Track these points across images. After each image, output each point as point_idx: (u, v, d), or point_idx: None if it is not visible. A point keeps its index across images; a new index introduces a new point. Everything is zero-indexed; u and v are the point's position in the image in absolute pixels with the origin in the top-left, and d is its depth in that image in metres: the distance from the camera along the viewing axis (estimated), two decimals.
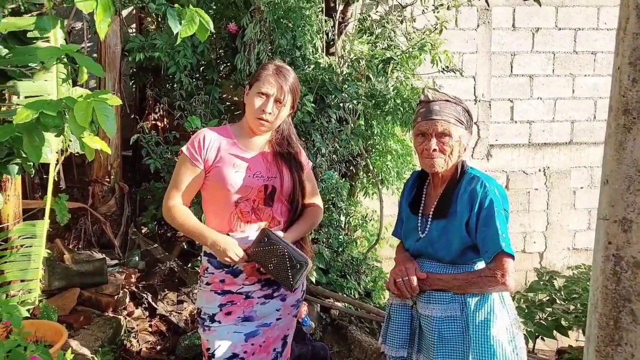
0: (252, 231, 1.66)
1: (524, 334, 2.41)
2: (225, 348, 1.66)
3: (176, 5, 1.83)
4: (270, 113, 1.63)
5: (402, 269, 1.55)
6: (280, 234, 1.64)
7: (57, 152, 2.10)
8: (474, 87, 4.64)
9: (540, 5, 2.82)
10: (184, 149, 1.68)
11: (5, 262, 2.19)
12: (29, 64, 2.00)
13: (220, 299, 1.68)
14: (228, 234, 1.66)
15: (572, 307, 2.51)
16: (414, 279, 1.52)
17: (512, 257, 1.45)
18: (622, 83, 0.79)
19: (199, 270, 1.76)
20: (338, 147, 3.46)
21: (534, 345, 2.57)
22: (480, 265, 1.53)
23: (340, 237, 3.51)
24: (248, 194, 1.64)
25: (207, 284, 1.70)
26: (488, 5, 2.93)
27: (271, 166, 1.68)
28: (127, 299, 3.08)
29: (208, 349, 1.68)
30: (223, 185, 1.62)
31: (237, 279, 1.68)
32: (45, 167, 3.30)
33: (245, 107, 1.69)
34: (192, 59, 3.33)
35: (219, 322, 1.68)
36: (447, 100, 1.53)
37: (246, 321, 1.69)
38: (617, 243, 0.80)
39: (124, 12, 3.88)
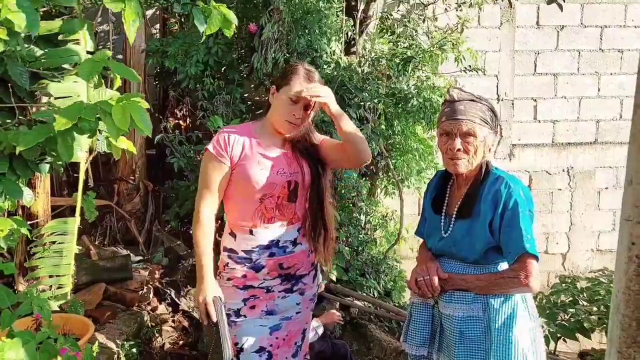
0: (275, 227, 1.69)
1: (546, 335, 2.38)
2: (253, 342, 1.70)
3: (200, 3, 1.86)
4: (300, 117, 1.66)
5: (423, 268, 1.56)
6: (224, 313, 1.65)
7: (86, 151, 2.17)
8: (497, 86, 4.58)
9: (562, 10, 2.77)
10: (209, 147, 1.69)
11: (39, 258, 2.27)
12: (60, 65, 2.07)
13: (243, 294, 1.71)
14: (251, 231, 1.69)
15: (594, 309, 2.46)
16: (435, 279, 1.52)
17: (537, 258, 1.44)
18: None
19: (219, 266, 1.78)
20: None
21: (555, 347, 2.53)
22: (504, 266, 1.52)
23: (360, 236, 3.52)
24: (272, 191, 1.67)
25: (229, 279, 1.73)
26: (510, 5, 2.89)
27: (292, 162, 1.71)
28: (151, 295, 3.15)
29: (236, 344, 1.71)
30: (248, 182, 1.65)
31: (259, 274, 1.71)
32: (72, 165, 3.40)
33: (272, 107, 1.71)
34: (209, 61, 3.36)
35: (245, 316, 1.71)
36: (472, 100, 1.52)
37: (269, 315, 1.73)
38: None
39: (148, 13, 3.96)
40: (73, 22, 2.03)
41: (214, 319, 1.62)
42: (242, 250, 1.71)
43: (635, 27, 4.58)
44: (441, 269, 1.55)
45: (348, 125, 1.65)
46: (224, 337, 1.60)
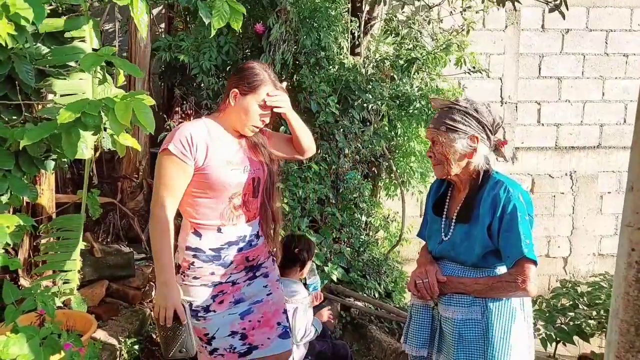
0: (242, 223, 1.73)
1: (543, 338, 2.39)
2: (224, 329, 1.73)
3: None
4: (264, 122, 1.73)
5: (422, 271, 1.57)
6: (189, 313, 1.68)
7: (91, 149, 2.18)
8: (501, 89, 4.58)
9: (564, 18, 2.79)
10: (170, 147, 1.61)
11: (45, 254, 2.29)
12: (66, 63, 2.09)
13: (211, 291, 1.72)
14: (219, 228, 1.69)
15: (594, 313, 2.47)
16: (435, 282, 1.53)
17: (535, 262, 1.45)
18: None
19: (180, 265, 1.73)
20: (361, 147, 3.48)
21: (554, 350, 2.54)
22: (502, 269, 1.53)
23: (362, 237, 3.53)
24: (241, 189, 1.70)
25: (195, 278, 1.70)
26: (515, 8, 2.90)
27: (253, 159, 1.75)
28: (153, 292, 3.16)
29: (206, 334, 1.73)
30: (219, 184, 1.64)
31: (227, 269, 1.72)
32: (76, 162, 3.41)
33: (233, 110, 1.69)
34: (217, 59, 3.39)
35: (214, 311, 1.72)
36: (450, 107, 1.54)
37: (238, 303, 1.75)
38: None
39: (154, 11, 3.98)
40: (78, 20, 2.05)
41: (184, 321, 1.62)
42: (210, 249, 1.69)
43: None
44: (440, 272, 1.57)
45: (297, 122, 1.81)
46: (191, 335, 1.64)
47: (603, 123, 4.71)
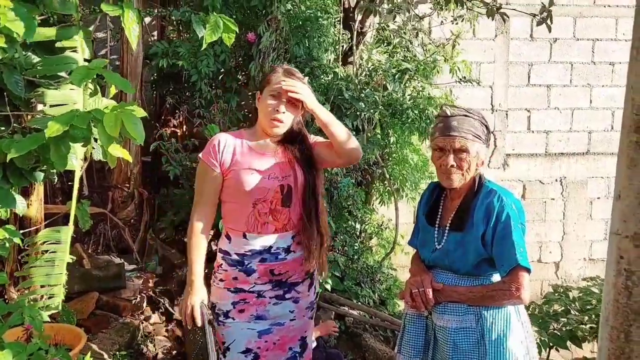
0: (269, 233, 1.70)
1: (538, 344, 2.40)
2: (240, 343, 1.71)
3: (201, 14, 1.89)
4: (283, 113, 1.67)
5: (417, 280, 1.57)
6: (208, 318, 1.69)
7: (81, 159, 2.16)
8: (491, 97, 4.63)
9: (550, 31, 2.85)
10: (201, 154, 1.72)
11: (31, 267, 2.26)
12: (56, 73, 2.07)
13: (233, 297, 1.72)
14: (245, 235, 1.69)
15: (586, 318, 2.49)
16: (430, 291, 1.53)
17: (529, 271, 1.46)
18: (634, 101, 0.81)
19: (214, 266, 1.80)
20: None
21: (547, 356, 2.54)
22: (496, 277, 1.53)
23: (356, 245, 3.52)
24: (265, 196, 1.67)
25: (221, 280, 1.74)
26: (504, 20, 2.95)
27: (284, 165, 1.71)
28: (145, 304, 3.13)
29: (223, 343, 1.73)
30: (240, 187, 1.66)
31: (250, 278, 1.71)
32: (66, 172, 3.38)
33: (259, 110, 1.73)
34: (214, 67, 3.40)
35: (233, 318, 1.72)
36: (465, 115, 1.54)
37: (259, 319, 1.73)
38: (629, 258, 0.81)
39: (146, 20, 3.98)
40: (70, 30, 2.04)
41: (199, 324, 1.64)
42: (236, 253, 1.72)
43: (625, 40, 4.65)
44: (435, 280, 1.56)
45: (327, 118, 1.66)
46: (209, 343, 1.62)
47: (591, 130, 4.78)
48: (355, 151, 1.70)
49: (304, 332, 1.82)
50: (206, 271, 1.76)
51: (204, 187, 1.71)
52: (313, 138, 1.81)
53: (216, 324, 1.74)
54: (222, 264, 1.75)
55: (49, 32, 2.01)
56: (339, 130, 1.66)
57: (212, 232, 1.83)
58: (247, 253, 1.70)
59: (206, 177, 1.70)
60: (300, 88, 1.64)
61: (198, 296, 1.68)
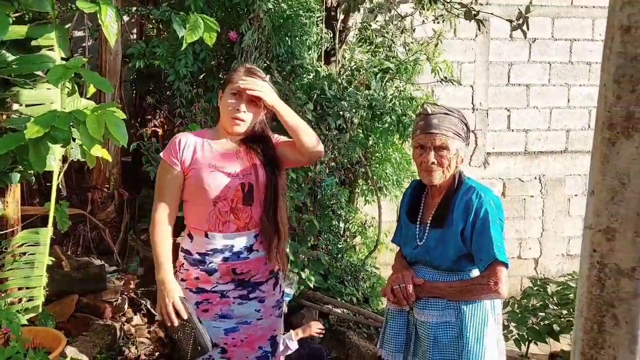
0: (230, 232, 1.69)
1: (517, 338, 2.45)
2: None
3: (181, 12, 1.88)
4: (244, 112, 1.67)
5: (399, 276, 1.59)
6: (192, 309, 1.66)
7: (59, 160, 2.13)
8: (472, 96, 4.70)
9: (525, 37, 2.93)
10: (162, 154, 1.72)
11: (9, 269, 2.21)
12: (32, 72, 2.03)
13: (195, 297, 1.71)
14: (206, 234, 1.69)
15: (564, 312, 2.55)
16: (411, 287, 1.55)
17: (506, 265, 1.49)
18: (607, 99, 0.83)
19: (176, 265, 1.78)
20: (337, 154, 3.50)
21: (527, 350, 2.60)
22: (475, 273, 1.56)
23: (340, 243, 3.54)
24: (226, 194, 1.67)
25: (182, 280, 1.73)
26: (479, 28, 3.01)
27: (245, 164, 1.71)
28: (126, 306, 3.09)
29: None
30: (200, 186, 1.66)
31: (211, 277, 1.70)
32: (43, 173, 3.32)
33: (220, 109, 1.74)
34: (193, 66, 3.37)
35: (197, 318, 1.70)
36: (446, 113, 1.57)
37: (224, 318, 1.72)
38: (602, 251, 0.84)
39: (125, 18, 3.92)
40: (45, 27, 2.00)
41: (185, 316, 1.62)
42: (197, 253, 1.71)
43: (601, 40, 4.75)
44: (416, 276, 1.58)
45: (288, 115, 1.68)
46: (200, 331, 1.60)
47: (569, 128, 4.88)
48: (318, 148, 1.72)
49: (273, 330, 1.82)
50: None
51: (165, 185, 1.71)
52: (276, 137, 1.82)
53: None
54: (183, 264, 1.74)
55: (23, 30, 1.97)
56: (301, 127, 1.68)
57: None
58: (209, 252, 1.70)
59: (167, 176, 1.70)
60: (260, 86, 1.65)
61: (175, 292, 1.65)
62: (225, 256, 1.69)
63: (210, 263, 1.69)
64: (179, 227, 1.81)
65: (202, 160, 1.68)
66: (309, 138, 1.69)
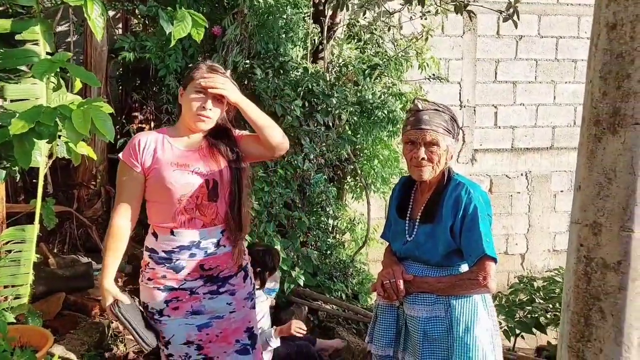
0: (196, 228, 1.68)
1: (505, 331, 2.48)
2: (179, 336, 1.70)
3: (168, 8, 1.86)
4: (210, 109, 1.67)
5: (389, 271, 1.60)
6: (129, 303, 1.67)
7: (46, 156, 2.09)
8: (460, 93, 4.73)
9: (516, 27, 2.95)
10: (121, 154, 1.69)
11: None
12: (17, 67, 2.00)
13: (164, 296, 1.69)
14: (172, 231, 1.68)
15: (550, 306, 2.59)
16: (401, 282, 1.56)
17: (495, 260, 1.51)
18: (593, 95, 0.84)
19: (142, 265, 1.76)
20: (326, 151, 3.50)
21: (514, 344, 2.64)
22: (464, 268, 1.58)
23: (329, 240, 3.55)
24: (190, 191, 1.66)
25: (149, 279, 1.71)
26: (470, 18, 3.02)
27: (209, 160, 1.70)
28: None
29: (163, 337, 1.71)
30: (163, 185, 1.65)
31: (179, 274, 1.69)
32: (29, 170, 3.27)
33: (183, 107, 1.72)
34: (182, 62, 3.34)
35: (168, 316, 1.70)
36: (436, 110, 1.57)
37: (196, 314, 1.71)
38: (588, 245, 0.85)
39: (110, 13, 3.87)
40: (29, 21, 1.97)
41: (115, 320, 1.66)
42: (163, 251, 1.69)
43: (587, 38, 4.82)
44: (406, 271, 1.60)
45: (253, 111, 1.68)
46: (136, 333, 1.61)
47: (555, 125, 4.94)
48: (283, 143, 1.73)
49: (247, 322, 1.81)
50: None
51: (125, 187, 1.69)
52: (238, 132, 1.82)
53: (152, 322, 1.72)
54: (149, 263, 1.72)
55: (7, 24, 1.93)
56: (266, 123, 1.69)
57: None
58: (175, 249, 1.69)
59: (127, 178, 1.67)
60: (222, 83, 1.65)
61: (108, 299, 1.66)
62: (192, 252, 1.68)
63: (177, 260, 1.68)
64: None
65: (164, 159, 1.67)
66: (274, 133, 1.70)
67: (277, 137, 1.70)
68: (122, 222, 1.67)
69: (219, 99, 1.68)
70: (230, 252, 1.73)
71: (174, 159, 1.67)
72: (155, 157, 1.66)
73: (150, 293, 1.70)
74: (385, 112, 3.40)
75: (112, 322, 2.93)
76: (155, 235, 1.72)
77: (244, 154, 1.76)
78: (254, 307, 1.85)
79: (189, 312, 1.70)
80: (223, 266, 1.73)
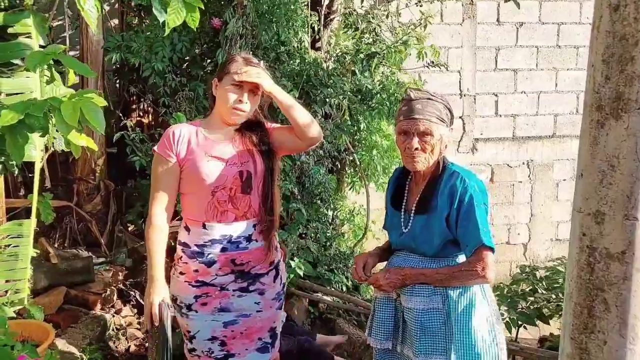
0: (229, 222, 1.68)
1: (508, 321, 2.47)
2: (204, 332, 1.70)
3: None
4: (246, 103, 1.67)
5: (359, 257, 1.69)
6: (168, 318, 1.63)
7: (41, 150, 2.08)
8: (459, 82, 4.68)
9: (519, 8, 2.89)
10: (155, 147, 1.70)
11: None
12: (10, 60, 1.97)
13: (194, 291, 1.69)
14: (204, 225, 1.67)
15: (553, 297, 2.58)
16: (360, 268, 1.64)
17: (493, 250, 1.49)
18: (595, 80, 0.82)
19: (174, 259, 1.77)
20: (324, 142, 3.47)
21: (516, 334, 2.63)
22: (462, 258, 1.56)
23: (328, 231, 3.53)
24: (224, 183, 1.66)
25: (181, 273, 1.72)
26: (471, 2, 2.98)
27: (242, 152, 1.70)
28: (115, 297, 3.07)
29: (188, 332, 1.72)
30: (198, 176, 1.65)
31: (211, 269, 1.69)
32: (28, 165, 3.26)
33: (217, 99, 1.71)
34: (173, 58, 3.30)
35: (196, 311, 1.70)
36: (429, 99, 1.54)
37: (223, 311, 1.71)
38: (591, 235, 0.83)
39: (106, 6, 3.83)
40: (21, 14, 1.94)
41: (156, 324, 1.60)
42: (195, 245, 1.69)
43: (589, 23, 4.76)
44: (371, 259, 1.66)
45: (287, 100, 1.68)
46: (164, 344, 1.58)
47: (557, 113, 4.90)
48: (317, 133, 1.72)
49: (272, 322, 1.81)
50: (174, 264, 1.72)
51: (161, 179, 1.68)
52: (270, 124, 1.81)
53: (179, 315, 1.72)
54: (182, 257, 1.73)
55: (0, 18, 1.91)
56: (300, 112, 1.68)
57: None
58: (207, 243, 1.68)
59: (162, 169, 1.68)
60: (258, 74, 1.65)
61: (159, 295, 1.63)
62: (223, 246, 1.68)
63: (208, 254, 1.67)
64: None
65: (198, 150, 1.67)
66: (309, 122, 1.69)
67: (311, 126, 1.70)
68: (161, 213, 1.67)
69: (254, 91, 1.68)
70: (262, 247, 1.72)
71: (208, 150, 1.67)
72: (189, 148, 1.67)
73: (181, 287, 1.70)
74: (385, 95, 3.36)
75: (113, 316, 2.93)
76: (187, 229, 1.72)
77: (277, 146, 1.76)
78: (280, 308, 1.85)
79: (216, 309, 1.70)
80: (255, 261, 1.72)
